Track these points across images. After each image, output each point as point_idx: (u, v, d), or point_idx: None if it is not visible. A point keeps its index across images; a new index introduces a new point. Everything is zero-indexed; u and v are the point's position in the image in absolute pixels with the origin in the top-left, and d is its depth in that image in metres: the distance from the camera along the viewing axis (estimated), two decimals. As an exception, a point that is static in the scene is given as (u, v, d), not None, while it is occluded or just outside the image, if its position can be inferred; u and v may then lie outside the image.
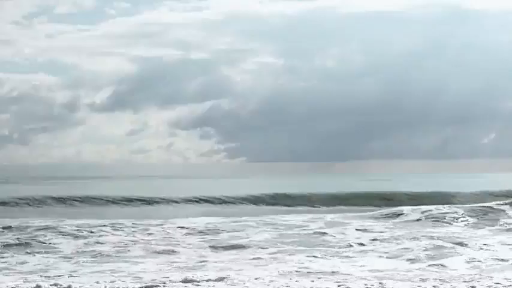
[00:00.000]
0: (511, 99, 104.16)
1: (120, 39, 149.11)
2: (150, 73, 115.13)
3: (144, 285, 14.76)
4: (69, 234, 22.97)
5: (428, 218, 29.14)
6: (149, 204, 39.98)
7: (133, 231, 23.98)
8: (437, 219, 28.66)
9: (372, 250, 20.19)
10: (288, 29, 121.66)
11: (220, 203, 40.86)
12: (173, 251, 20.02)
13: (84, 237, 22.71)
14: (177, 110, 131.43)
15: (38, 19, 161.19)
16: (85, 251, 20.10)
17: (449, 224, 27.68)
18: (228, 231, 24.25)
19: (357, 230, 24.77)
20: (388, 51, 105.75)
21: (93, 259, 18.81)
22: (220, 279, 15.23)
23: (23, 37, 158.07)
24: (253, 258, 18.59)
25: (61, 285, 14.89)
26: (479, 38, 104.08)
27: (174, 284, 14.88)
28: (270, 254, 19.55)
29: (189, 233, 23.91)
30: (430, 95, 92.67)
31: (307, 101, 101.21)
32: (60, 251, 20.21)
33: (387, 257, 19.05)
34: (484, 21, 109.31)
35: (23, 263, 18.37)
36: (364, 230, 24.70)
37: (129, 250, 20.13)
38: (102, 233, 23.44)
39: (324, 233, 23.74)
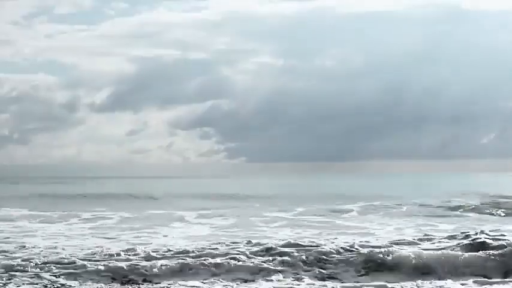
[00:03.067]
0: (511, 99, 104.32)
1: (120, 39, 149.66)
2: (149, 73, 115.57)
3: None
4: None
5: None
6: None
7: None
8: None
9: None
10: (287, 29, 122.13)
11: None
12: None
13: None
14: (177, 110, 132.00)
15: (37, 19, 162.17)
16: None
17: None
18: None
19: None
20: (388, 51, 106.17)
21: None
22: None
23: (22, 37, 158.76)
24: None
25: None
26: (479, 38, 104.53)
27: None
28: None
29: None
30: (430, 95, 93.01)
31: (307, 101, 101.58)
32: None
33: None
34: (484, 21, 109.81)
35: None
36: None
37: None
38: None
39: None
